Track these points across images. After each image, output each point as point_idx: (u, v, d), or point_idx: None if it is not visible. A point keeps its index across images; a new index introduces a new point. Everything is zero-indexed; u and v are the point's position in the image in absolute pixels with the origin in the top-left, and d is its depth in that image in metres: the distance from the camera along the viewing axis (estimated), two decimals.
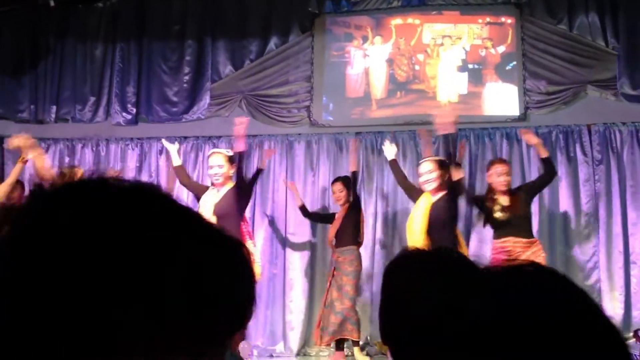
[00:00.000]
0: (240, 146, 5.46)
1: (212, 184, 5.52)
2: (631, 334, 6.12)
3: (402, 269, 1.30)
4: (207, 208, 5.22)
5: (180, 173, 5.83)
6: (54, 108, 7.93)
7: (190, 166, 7.63)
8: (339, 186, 6.43)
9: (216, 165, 5.42)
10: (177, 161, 5.86)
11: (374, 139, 7.39)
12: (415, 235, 5.18)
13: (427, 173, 5.38)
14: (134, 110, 7.81)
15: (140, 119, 7.87)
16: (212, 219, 4.72)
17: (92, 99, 7.92)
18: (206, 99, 7.71)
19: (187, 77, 7.76)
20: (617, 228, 6.73)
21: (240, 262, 0.57)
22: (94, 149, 7.87)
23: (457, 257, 1.25)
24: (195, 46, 7.79)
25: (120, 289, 0.49)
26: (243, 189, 5.38)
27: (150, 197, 0.56)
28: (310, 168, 7.47)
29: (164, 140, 6.22)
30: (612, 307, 6.41)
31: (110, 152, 7.84)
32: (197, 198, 5.53)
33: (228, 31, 7.78)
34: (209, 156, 5.75)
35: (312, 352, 6.99)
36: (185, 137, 7.72)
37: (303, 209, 6.82)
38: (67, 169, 5.51)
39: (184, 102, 7.74)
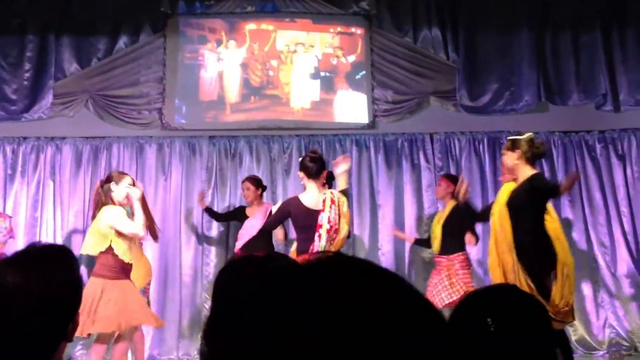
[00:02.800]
0: None
1: None
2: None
3: (223, 272, 1.47)
4: None
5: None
6: None
7: (31, 169, 7.19)
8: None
9: None
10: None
11: (228, 143, 7.37)
12: None
13: None
14: None
15: None
16: None
17: None
18: (49, 98, 7.28)
19: (27, 74, 7.29)
20: None
21: None
22: None
23: (277, 261, 1.41)
24: (38, 42, 7.34)
25: None
26: None
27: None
28: (161, 172, 7.30)
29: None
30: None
31: None
32: None
33: (74, 27, 7.40)
34: None
35: None
36: (25, 138, 7.28)
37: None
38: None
39: (23, 101, 7.26)
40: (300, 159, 5.16)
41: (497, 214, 4.66)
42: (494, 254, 4.61)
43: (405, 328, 0.63)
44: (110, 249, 4.71)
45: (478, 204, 7.23)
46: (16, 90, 7.27)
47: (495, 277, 4.55)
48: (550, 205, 4.60)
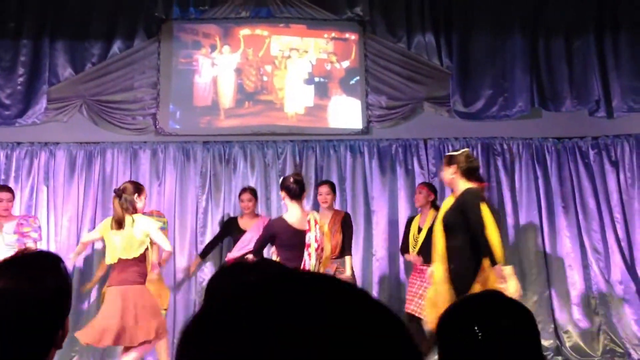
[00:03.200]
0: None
1: None
2: None
3: (216, 277, 1.49)
4: None
5: None
6: None
7: (24, 174, 7.18)
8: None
9: None
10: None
11: (222, 148, 7.37)
12: None
13: None
14: None
15: None
16: None
17: None
18: (43, 103, 7.27)
19: (21, 79, 7.28)
20: None
21: None
22: None
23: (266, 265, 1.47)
24: (31, 46, 7.33)
25: None
26: None
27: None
28: (155, 177, 7.29)
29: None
30: None
31: None
32: None
33: (68, 32, 7.39)
34: None
35: None
36: (19, 143, 7.27)
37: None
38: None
39: (17, 106, 7.24)
40: (281, 178, 5.26)
41: (436, 227, 4.77)
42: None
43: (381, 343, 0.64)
44: (143, 257, 4.87)
45: None
46: (10, 95, 7.26)
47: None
48: (489, 216, 4.52)
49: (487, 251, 4.37)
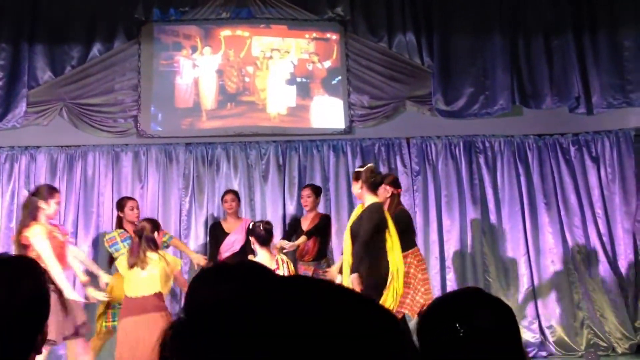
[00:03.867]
0: None
1: None
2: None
3: (196, 279, 1.51)
4: None
5: None
6: None
7: (5, 178, 7.11)
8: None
9: None
10: None
11: (205, 150, 7.34)
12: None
13: None
14: None
15: None
16: None
17: None
18: (22, 106, 7.19)
19: (0, 83, 7.20)
20: (434, 235, 7.23)
21: None
22: None
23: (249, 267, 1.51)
24: (10, 50, 7.25)
25: None
26: None
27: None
28: (138, 180, 7.25)
29: None
30: None
31: None
32: None
33: (47, 35, 7.33)
34: None
35: None
36: None
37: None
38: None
39: None
40: (251, 223, 5.36)
41: (345, 235, 5.23)
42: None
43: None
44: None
45: (456, 208, 7.29)
46: None
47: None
48: (392, 227, 5.01)
49: (355, 260, 4.90)
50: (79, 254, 5.78)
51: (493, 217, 7.33)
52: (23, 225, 4.98)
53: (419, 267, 5.53)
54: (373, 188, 5.07)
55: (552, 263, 7.24)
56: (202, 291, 1.62)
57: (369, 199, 5.05)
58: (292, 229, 6.64)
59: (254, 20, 7.60)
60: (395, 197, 5.68)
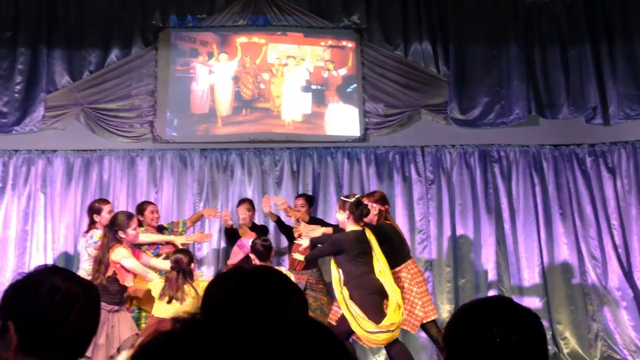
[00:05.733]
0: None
1: None
2: None
3: (212, 286, 1.55)
4: None
5: None
6: None
7: (21, 181, 7.18)
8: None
9: None
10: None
11: (219, 156, 7.37)
12: None
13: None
14: None
15: None
16: None
17: None
18: (40, 111, 7.28)
19: (19, 87, 7.29)
20: (447, 244, 7.20)
21: None
22: None
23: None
24: (29, 54, 7.34)
25: None
26: None
27: None
28: (153, 184, 7.29)
29: None
30: (442, 317, 6.81)
31: None
32: None
33: (66, 40, 7.41)
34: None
35: None
36: (17, 151, 7.27)
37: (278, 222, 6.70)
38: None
39: (14, 113, 7.25)
40: (251, 240, 5.50)
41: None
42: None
43: None
44: None
45: (470, 217, 7.26)
46: (7, 103, 7.26)
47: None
48: (378, 250, 5.13)
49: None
50: None
51: (507, 227, 7.28)
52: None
53: (414, 281, 5.48)
54: (359, 219, 5.18)
55: (566, 274, 7.19)
56: (217, 297, 1.63)
57: (350, 227, 5.17)
58: (287, 234, 6.62)
59: (270, 27, 7.64)
60: (382, 214, 5.65)
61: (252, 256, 5.32)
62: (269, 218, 6.60)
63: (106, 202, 6.13)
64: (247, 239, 6.17)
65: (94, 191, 7.17)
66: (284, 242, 6.88)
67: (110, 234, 5.10)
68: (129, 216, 5.28)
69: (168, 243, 6.00)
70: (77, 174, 7.23)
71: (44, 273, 1.57)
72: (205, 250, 7.09)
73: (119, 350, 5.00)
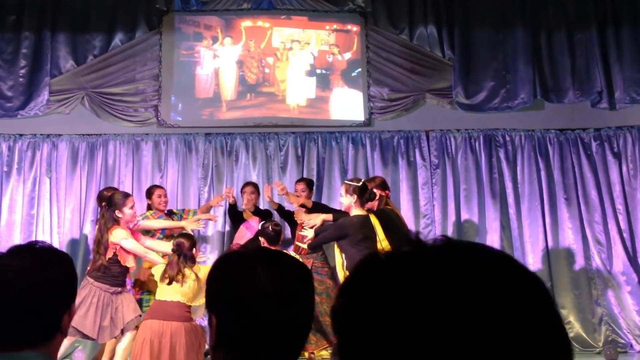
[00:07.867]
0: None
1: None
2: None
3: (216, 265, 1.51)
4: None
5: None
6: None
7: (27, 166, 7.19)
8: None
9: None
10: None
11: (224, 140, 7.37)
12: None
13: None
14: None
15: None
16: None
17: None
18: (45, 95, 7.27)
19: (23, 71, 7.28)
20: (451, 229, 7.20)
21: None
22: None
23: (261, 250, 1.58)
24: (33, 38, 7.33)
25: None
26: None
27: None
28: (158, 169, 7.31)
29: None
30: None
31: None
32: None
33: (70, 24, 7.39)
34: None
35: None
36: (21, 135, 7.28)
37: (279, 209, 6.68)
38: None
39: (19, 97, 7.25)
40: (261, 224, 5.52)
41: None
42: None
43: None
44: None
45: (475, 202, 7.26)
46: (12, 87, 7.26)
47: None
48: (381, 234, 5.14)
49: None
50: None
51: (512, 212, 7.28)
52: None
53: None
54: (364, 204, 5.20)
55: (571, 258, 7.19)
56: (225, 277, 1.62)
57: (355, 212, 5.16)
58: (288, 220, 6.60)
59: (274, 11, 7.61)
60: (383, 199, 5.64)
61: (262, 239, 5.33)
62: (271, 206, 6.61)
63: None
64: (255, 220, 6.20)
65: (99, 176, 7.19)
66: (287, 230, 6.87)
67: (108, 214, 5.12)
68: (125, 195, 5.31)
69: (178, 228, 6.01)
70: (82, 158, 7.25)
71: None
72: (210, 231, 7.10)
73: (122, 332, 5.04)
